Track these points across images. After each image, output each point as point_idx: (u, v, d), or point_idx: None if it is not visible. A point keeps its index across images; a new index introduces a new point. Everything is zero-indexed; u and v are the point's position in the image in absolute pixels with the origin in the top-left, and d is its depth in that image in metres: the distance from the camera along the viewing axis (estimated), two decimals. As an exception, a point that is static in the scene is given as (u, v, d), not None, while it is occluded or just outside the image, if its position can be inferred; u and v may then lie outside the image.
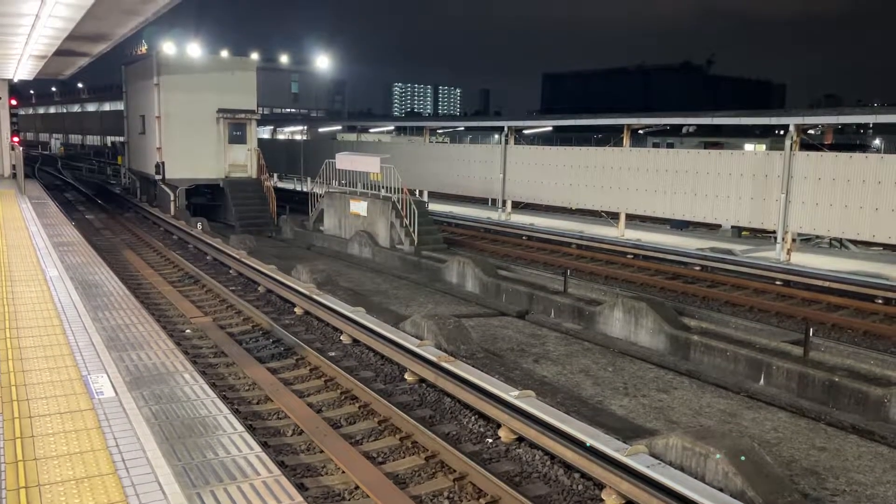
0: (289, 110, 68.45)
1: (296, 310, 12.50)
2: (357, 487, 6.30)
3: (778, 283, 15.21)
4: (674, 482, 5.59)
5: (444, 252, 18.77)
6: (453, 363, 8.54)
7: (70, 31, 15.74)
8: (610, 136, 28.08)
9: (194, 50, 27.11)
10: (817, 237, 19.64)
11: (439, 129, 37.74)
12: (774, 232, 17.40)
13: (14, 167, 27.17)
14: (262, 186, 26.58)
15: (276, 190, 28.11)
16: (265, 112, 50.06)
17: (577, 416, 7.31)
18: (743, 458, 6.03)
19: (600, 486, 6.23)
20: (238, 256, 15.98)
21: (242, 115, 26.56)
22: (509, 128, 24.89)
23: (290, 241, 23.11)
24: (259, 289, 14.20)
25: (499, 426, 7.47)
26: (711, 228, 22.41)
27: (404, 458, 6.99)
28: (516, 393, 7.46)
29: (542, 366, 10.52)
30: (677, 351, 11.09)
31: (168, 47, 26.36)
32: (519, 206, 25.49)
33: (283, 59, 63.07)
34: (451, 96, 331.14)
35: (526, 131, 28.92)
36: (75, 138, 78.82)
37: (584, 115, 27.66)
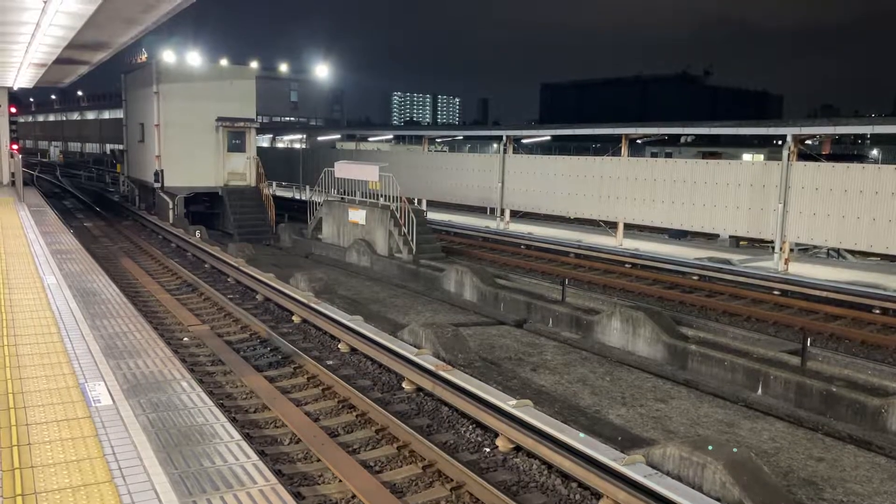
0: (288, 119, 68.62)
1: (294, 318, 12.50)
2: (354, 496, 6.29)
3: (776, 292, 15.22)
4: (671, 492, 5.59)
5: (443, 261, 18.78)
6: (451, 372, 8.54)
7: (70, 39, 15.78)
8: (608, 146, 28.16)
9: (194, 58, 27.21)
10: (815, 247, 19.68)
11: (438, 137, 37.89)
12: (772, 242, 17.45)
13: (13, 175, 27.18)
14: (261, 195, 26.60)
15: (275, 198, 28.12)
16: (264, 120, 50.19)
17: (574, 426, 7.30)
18: (741, 466, 6.03)
19: (598, 495, 6.22)
20: (236, 264, 15.98)
21: (241, 124, 26.61)
22: (508, 137, 24.98)
23: (289, 250, 23.10)
24: (257, 297, 14.20)
25: (496, 435, 7.47)
26: (709, 238, 22.45)
27: (402, 467, 6.98)
28: (514, 402, 7.46)
29: (540, 375, 10.51)
30: (675, 360, 11.09)
31: (168, 56, 26.47)
32: (517, 215, 25.54)
33: (283, 67, 63.25)
34: (450, 105, 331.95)
35: (524, 140, 29.04)
36: (74, 146, 78.95)
37: (582, 125, 27.77)
